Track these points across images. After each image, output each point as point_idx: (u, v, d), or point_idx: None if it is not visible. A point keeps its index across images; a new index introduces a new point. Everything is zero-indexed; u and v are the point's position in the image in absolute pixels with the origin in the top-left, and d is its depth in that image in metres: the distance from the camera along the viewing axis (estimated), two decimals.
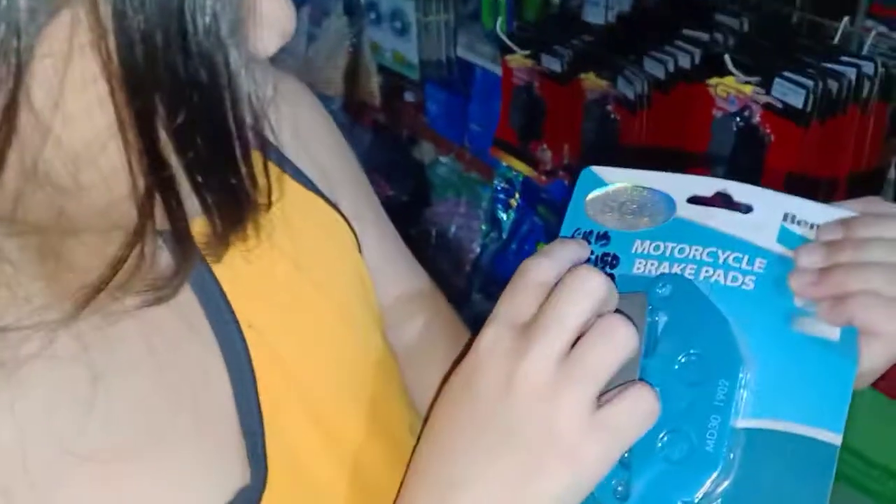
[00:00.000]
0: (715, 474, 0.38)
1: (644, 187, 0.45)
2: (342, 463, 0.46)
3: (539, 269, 0.40)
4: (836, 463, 0.37)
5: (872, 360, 0.39)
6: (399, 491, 0.41)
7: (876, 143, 1.09)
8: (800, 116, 1.04)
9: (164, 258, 0.37)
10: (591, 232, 0.45)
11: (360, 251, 0.52)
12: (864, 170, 1.11)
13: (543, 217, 1.53)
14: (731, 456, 0.38)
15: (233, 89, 0.30)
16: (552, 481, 0.37)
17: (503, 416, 0.38)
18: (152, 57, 0.28)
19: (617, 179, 0.46)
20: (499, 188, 1.59)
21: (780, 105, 1.06)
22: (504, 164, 1.49)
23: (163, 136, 0.30)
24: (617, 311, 0.40)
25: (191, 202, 0.32)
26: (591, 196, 0.46)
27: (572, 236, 0.45)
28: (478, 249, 1.62)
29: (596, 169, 0.46)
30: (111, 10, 0.27)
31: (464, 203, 1.67)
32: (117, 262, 0.33)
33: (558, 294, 0.39)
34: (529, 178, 1.44)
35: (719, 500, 0.38)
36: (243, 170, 0.32)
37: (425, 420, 0.42)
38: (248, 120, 0.31)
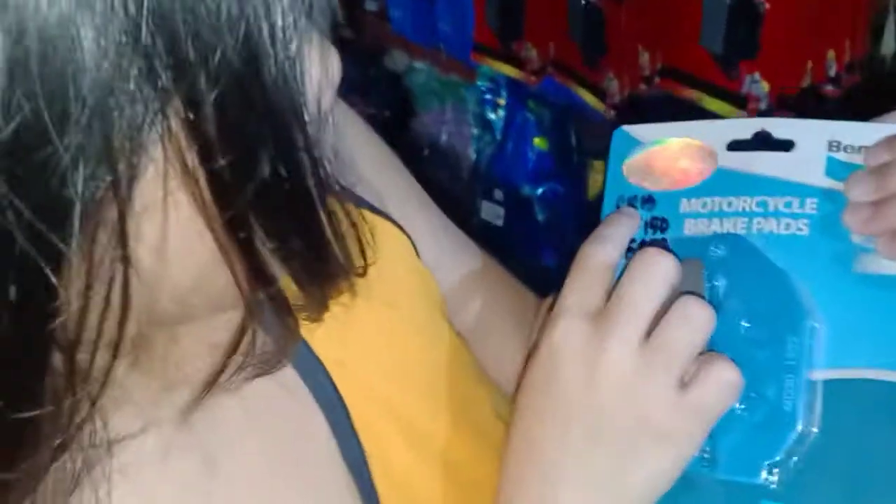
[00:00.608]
0: (796, 433, 0.38)
1: (681, 141, 0.44)
2: (436, 467, 0.47)
3: (599, 254, 0.40)
4: None
5: None
6: (496, 493, 0.42)
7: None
8: None
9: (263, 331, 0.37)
10: (634, 197, 0.44)
11: (417, 254, 0.52)
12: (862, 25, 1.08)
13: (535, 112, 1.50)
14: (811, 411, 0.39)
15: (319, 186, 0.30)
16: (648, 467, 0.38)
17: (591, 409, 0.38)
18: (243, 186, 0.27)
19: (651, 136, 0.45)
20: (484, 89, 1.55)
21: None
22: (487, 68, 1.44)
23: (263, 251, 0.30)
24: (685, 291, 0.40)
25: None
26: (629, 160, 0.45)
27: (616, 204, 0.45)
28: (473, 155, 1.59)
29: (627, 128, 0.45)
30: (196, 154, 0.27)
31: (449, 109, 1.63)
32: (229, 353, 0.34)
33: (629, 280, 0.39)
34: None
35: (807, 454, 0.38)
36: (340, 255, 0.32)
37: (511, 415, 0.42)
38: (339, 198, 0.32)
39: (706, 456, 0.39)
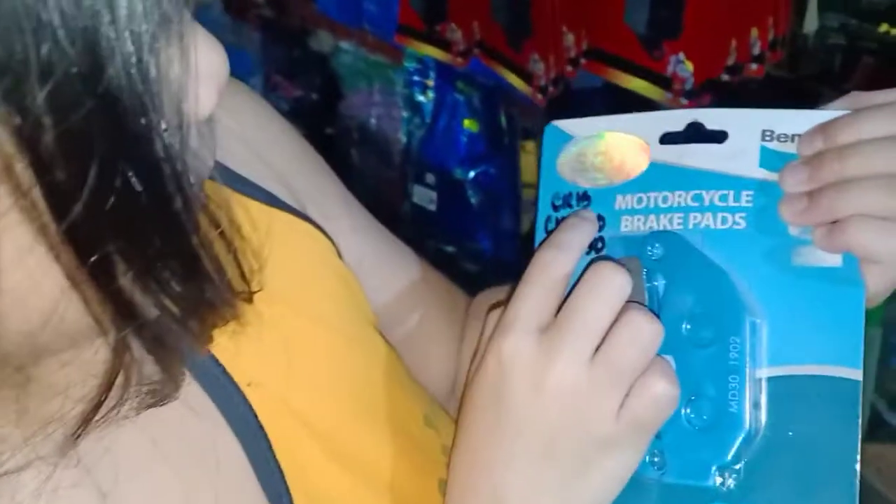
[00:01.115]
0: (743, 433, 0.38)
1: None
2: (364, 487, 0.45)
3: (555, 264, 0.39)
4: (861, 397, 0.37)
5: (876, 285, 0.38)
6: None
7: None
8: None
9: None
10: (569, 194, 0.43)
11: (339, 256, 0.49)
12: None
13: (465, 92, 1.48)
14: (758, 410, 0.38)
15: (185, 201, 0.26)
16: (595, 481, 0.38)
17: (539, 424, 0.38)
18: (90, 203, 0.24)
19: (582, 130, 0.44)
20: (411, 70, 1.52)
21: None
22: (413, 50, 1.41)
23: (124, 281, 0.26)
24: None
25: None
26: (562, 157, 0.44)
27: (551, 202, 0.44)
28: (404, 138, 1.56)
29: (559, 123, 0.44)
30: (28, 161, 0.23)
31: (377, 90, 1.59)
32: (103, 388, 0.31)
33: (582, 295, 0.38)
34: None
35: (755, 454, 0.38)
36: (218, 280, 0.29)
37: (456, 431, 0.41)
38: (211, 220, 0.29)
39: (656, 460, 0.39)
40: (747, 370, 0.38)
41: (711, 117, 0.41)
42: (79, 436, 0.32)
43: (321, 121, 1.68)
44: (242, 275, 0.34)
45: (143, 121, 0.24)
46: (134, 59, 0.23)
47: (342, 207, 0.53)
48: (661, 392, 0.37)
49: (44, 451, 0.32)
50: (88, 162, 0.23)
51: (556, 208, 0.44)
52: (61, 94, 0.22)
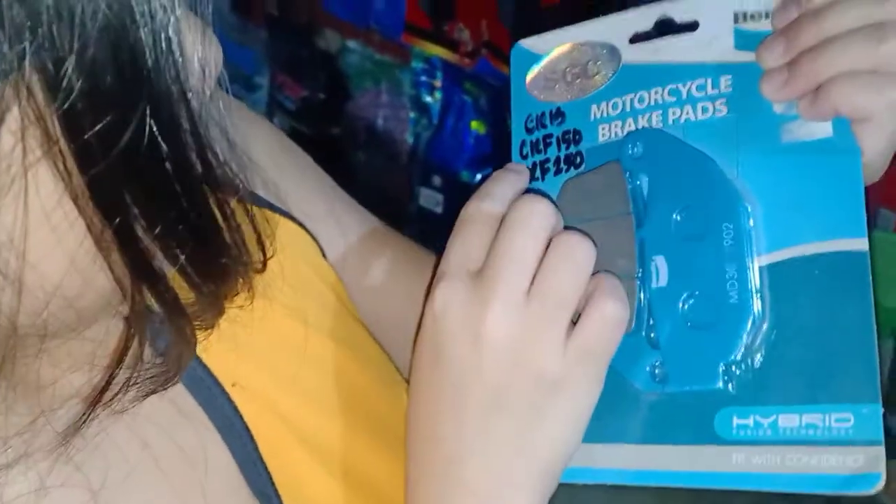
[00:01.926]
0: (749, 324, 0.36)
1: (579, 44, 0.41)
2: (352, 488, 0.44)
3: (480, 212, 0.38)
4: (870, 268, 0.34)
5: (873, 145, 0.35)
6: (404, 474, 0.39)
7: None
8: None
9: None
10: (542, 114, 0.42)
11: (324, 255, 0.48)
12: None
13: (472, 94, 1.46)
14: (760, 301, 0.36)
15: (206, 166, 0.27)
16: (552, 422, 0.36)
17: (482, 376, 0.36)
18: (115, 160, 0.25)
19: (550, 46, 0.42)
20: (419, 70, 1.50)
21: None
22: (421, 49, 1.39)
23: (145, 240, 0.27)
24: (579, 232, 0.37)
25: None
26: (530, 75, 0.42)
27: (525, 125, 0.42)
28: (411, 139, 1.54)
29: (525, 42, 0.43)
30: (60, 114, 0.24)
31: (385, 91, 1.58)
32: (112, 366, 0.31)
33: (506, 232, 0.36)
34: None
35: (764, 347, 0.36)
36: (234, 247, 0.30)
37: (408, 393, 0.40)
38: (229, 186, 0.29)
39: (657, 372, 0.37)
40: (745, 258, 0.36)
41: (680, 9, 0.39)
42: (82, 424, 0.32)
43: (328, 121, 1.67)
44: (259, 241, 0.33)
45: (169, 84, 0.25)
46: (161, 20, 0.24)
47: (326, 205, 0.51)
48: (609, 313, 0.36)
49: (39, 445, 0.31)
50: (116, 118, 0.24)
51: (529, 131, 0.43)
52: (93, 48, 0.23)
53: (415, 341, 0.39)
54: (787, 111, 0.37)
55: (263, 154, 0.47)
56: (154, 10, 0.24)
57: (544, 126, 0.42)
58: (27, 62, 0.23)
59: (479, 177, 1.47)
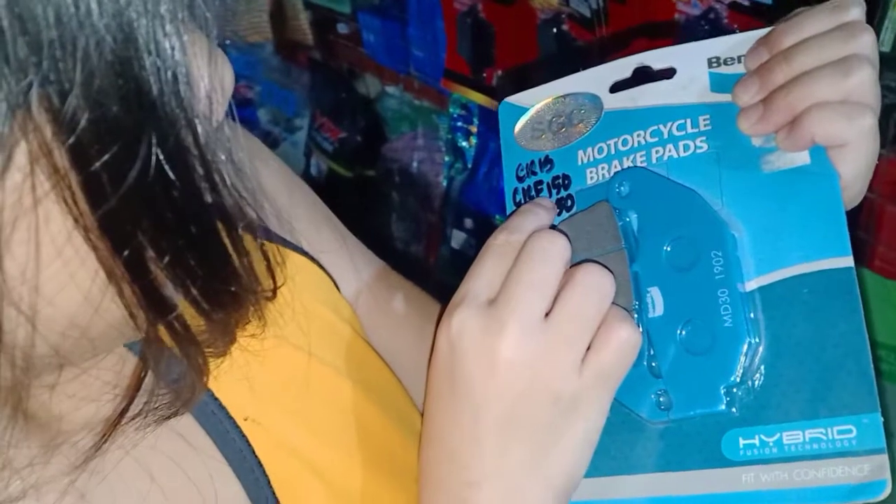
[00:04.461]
0: (745, 346, 0.37)
1: (562, 96, 0.43)
2: None
3: (501, 242, 0.39)
4: (857, 283, 0.36)
5: (849, 169, 0.37)
6: (418, 495, 0.39)
7: None
8: (769, 12, 0.99)
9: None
10: (532, 162, 0.44)
11: (337, 289, 0.48)
12: None
13: None
14: (753, 323, 0.37)
15: (215, 194, 0.27)
16: (565, 444, 0.37)
17: (499, 399, 0.36)
18: (124, 192, 0.24)
19: (534, 100, 0.44)
20: (455, 116, 1.52)
21: (746, 2, 1.00)
22: (459, 95, 1.42)
23: (156, 271, 0.27)
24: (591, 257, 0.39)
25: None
26: (517, 127, 0.44)
27: (516, 174, 0.44)
28: (444, 183, 1.56)
29: (511, 99, 0.45)
30: (67, 147, 0.23)
31: (421, 135, 1.60)
32: (130, 393, 0.31)
33: (525, 260, 0.37)
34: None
35: (762, 367, 0.37)
36: (244, 276, 0.30)
37: (423, 416, 0.40)
38: (238, 215, 0.29)
39: (661, 400, 0.38)
40: (735, 283, 0.37)
41: (657, 57, 0.41)
42: (96, 451, 0.32)
43: (363, 162, 1.69)
44: (269, 270, 0.33)
45: (175, 110, 0.25)
46: (166, 48, 0.24)
47: (338, 242, 0.52)
48: (625, 338, 0.37)
49: (48, 476, 0.31)
50: (123, 148, 0.24)
51: (520, 179, 0.44)
52: (97, 78, 0.23)
53: (429, 367, 0.39)
54: (765, 143, 0.38)
55: (274, 187, 0.48)
56: (158, 38, 0.24)
57: (534, 173, 0.44)
58: (33, 96, 0.23)
59: None
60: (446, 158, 1.56)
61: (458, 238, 1.53)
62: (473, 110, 1.50)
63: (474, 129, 1.52)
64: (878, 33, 0.99)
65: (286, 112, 1.83)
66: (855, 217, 1.06)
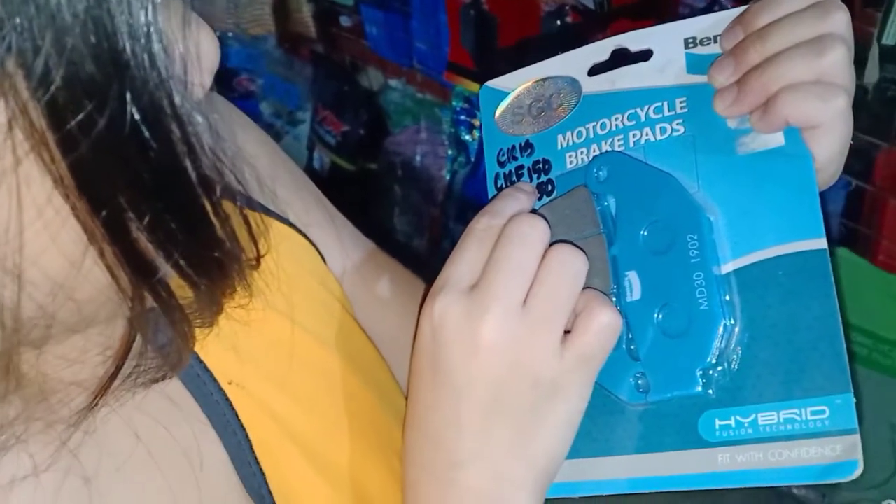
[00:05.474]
0: (720, 329, 0.37)
1: (542, 79, 0.43)
2: (344, 493, 0.44)
3: (482, 227, 0.39)
4: (830, 265, 0.36)
5: (823, 150, 0.37)
6: (402, 479, 0.40)
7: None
8: None
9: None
10: (513, 147, 0.44)
11: (323, 260, 0.48)
12: None
13: None
14: (729, 306, 0.37)
15: (194, 157, 0.27)
16: (548, 426, 0.37)
17: (481, 383, 0.37)
18: (100, 144, 0.24)
19: (514, 84, 0.44)
20: (458, 109, 1.51)
21: None
22: (462, 88, 1.41)
23: (138, 235, 0.27)
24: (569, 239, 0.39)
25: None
26: (498, 112, 0.45)
27: (497, 159, 0.45)
28: (447, 176, 1.55)
29: (491, 83, 0.45)
30: (42, 106, 0.24)
31: (424, 128, 1.59)
32: (119, 356, 0.32)
33: (504, 245, 0.37)
34: None
35: (739, 350, 0.37)
36: (226, 241, 0.30)
37: (407, 401, 0.40)
38: (217, 179, 0.29)
39: (640, 383, 0.39)
40: (711, 266, 0.37)
41: (634, 39, 0.41)
42: (94, 405, 0.33)
43: (366, 156, 1.68)
44: (251, 236, 0.33)
45: (148, 68, 0.25)
46: (138, 8, 0.25)
47: (325, 217, 0.52)
48: (606, 322, 0.37)
49: (37, 427, 0.32)
50: (97, 106, 0.24)
51: (501, 164, 0.44)
52: (70, 37, 0.23)
53: (412, 351, 0.39)
54: (740, 125, 0.38)
55: (258, 157, 0.48)
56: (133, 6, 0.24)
57: (515, 158, 0.44)
58: (8, 55, 0.23)
59: None
60: (449, 152, 1.55)
61: (459, 231, 1.52)
62: (476, 103, 1.49)
63: (477, 122, 1.51)
64: (884, 27, 0.98)
65: (289, 105, 1.83)
66: (857, 212, 1.05)
